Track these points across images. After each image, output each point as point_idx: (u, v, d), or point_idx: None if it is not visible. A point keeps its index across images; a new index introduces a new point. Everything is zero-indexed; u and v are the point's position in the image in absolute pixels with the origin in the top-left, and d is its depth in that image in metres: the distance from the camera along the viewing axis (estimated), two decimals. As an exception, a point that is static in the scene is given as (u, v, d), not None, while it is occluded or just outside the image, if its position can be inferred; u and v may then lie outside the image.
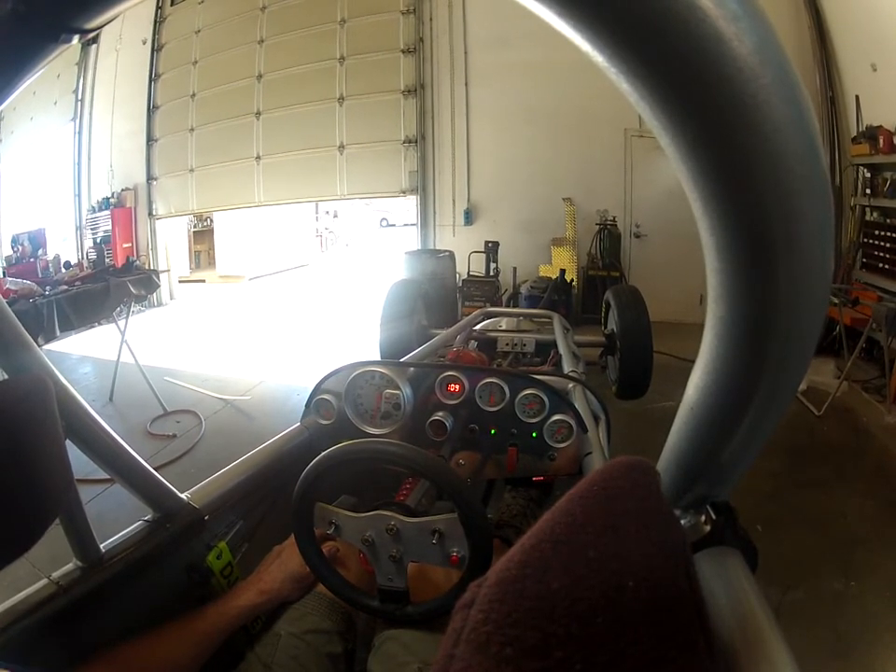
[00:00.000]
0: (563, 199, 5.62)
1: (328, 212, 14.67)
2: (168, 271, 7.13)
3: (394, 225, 15.53)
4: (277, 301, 7.59)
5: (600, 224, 5.60)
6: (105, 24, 0.37)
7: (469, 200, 6.07)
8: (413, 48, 6.00)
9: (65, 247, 7.08)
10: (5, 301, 0.65)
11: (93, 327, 4.58)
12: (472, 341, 2.06)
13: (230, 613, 0.84)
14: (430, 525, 0.78)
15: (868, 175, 4.44)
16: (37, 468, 0.58)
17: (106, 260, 6.78)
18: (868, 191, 4.43)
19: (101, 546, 0.77)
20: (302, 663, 0.83)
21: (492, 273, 5.64)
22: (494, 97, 5.83)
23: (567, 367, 1.66)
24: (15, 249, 6.89)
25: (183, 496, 0.90)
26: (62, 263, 5.70)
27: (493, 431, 1.10)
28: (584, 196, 5.65)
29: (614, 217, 5.60)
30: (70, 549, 0.74)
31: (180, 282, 8.03)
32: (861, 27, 4.28)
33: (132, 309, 4.05)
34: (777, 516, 2.30)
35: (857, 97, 4.53)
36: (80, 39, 0.36)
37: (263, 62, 6.53)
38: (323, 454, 0.82)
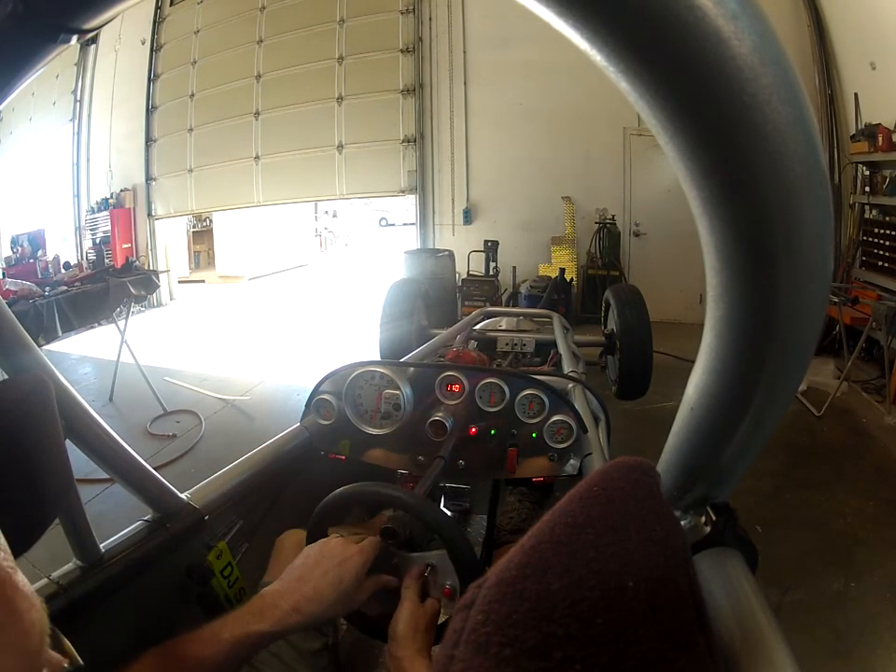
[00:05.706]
0: (562, 197, 5.62)
1: (327, 212, 14.68)
2: (168, 271, 7.13)
3: (393, 224, 15.53)
4: (277, 301, 7.59)
5: (599, 223, 5.61)
6: (103, 25, 0.37)
7: (468, 199, 6.06)
8: (412, 47, 5.99)
9: (65, 248, 7.08)
10: (4, 301, 0.65)
11: (93, 327, 4.57)
12: (472, 341, 2.06)
13: (249, 640, 0.66)
14: (424, 560, 0.82)
15: (867, 172, 4.44)
16: (37, 468, 0.58)
17: (106, 261, 6.78)
18: (867, 189, 4.43)
19: (101, 546, 0.77)
20: (285, 661, 0.83)
21: (491, 273, 5.63)
22: (493, 96, 5.83)
23: (566, 367, 1.66)
24: (15, 250, 6.89)
25: (183, 496, 0.90)
26: (61, 264, 5.70)
27: (493, 432, 1.10)
28: (583, 195, 5.65)
29: (613, 216, 5.60)
30: (70, 549, 0.74)
31: (180, 282, 8.03)
32: (861, 26, 4.29)
33: (131, 309, 4.05)
34: (777, 516, 2.30)
35: (856, 95, 4.53)
36: (79, 39, 0.37)
37: (262, 62, 6.53)
38: (328, 497, 0.83)
